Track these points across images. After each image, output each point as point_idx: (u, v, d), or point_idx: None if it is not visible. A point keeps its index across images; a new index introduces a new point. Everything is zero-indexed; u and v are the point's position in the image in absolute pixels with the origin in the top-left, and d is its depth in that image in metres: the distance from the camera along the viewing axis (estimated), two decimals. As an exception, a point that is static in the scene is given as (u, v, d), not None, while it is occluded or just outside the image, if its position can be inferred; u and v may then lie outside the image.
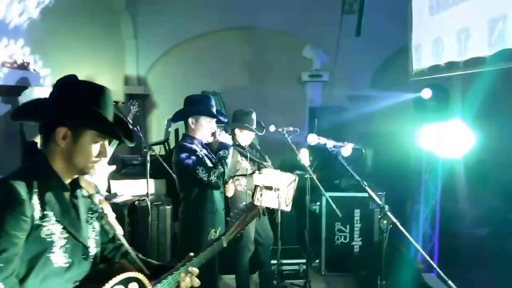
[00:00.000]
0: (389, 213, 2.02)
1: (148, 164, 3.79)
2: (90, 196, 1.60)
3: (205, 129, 2.90)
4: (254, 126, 3.69)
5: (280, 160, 5.04)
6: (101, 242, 1.71)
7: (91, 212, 1.59)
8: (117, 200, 4.27)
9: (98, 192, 1.71)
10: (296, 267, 4.19)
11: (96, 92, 1.46)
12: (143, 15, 6.87)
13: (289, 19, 6.36)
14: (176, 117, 3.04)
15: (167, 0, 6.62)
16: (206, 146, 3.04)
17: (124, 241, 1.73)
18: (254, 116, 3.70)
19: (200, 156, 2.85)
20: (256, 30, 6.71)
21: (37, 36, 4.96)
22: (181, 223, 2.96)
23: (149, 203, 3.85)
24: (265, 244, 3.81)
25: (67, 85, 1.47)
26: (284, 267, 4.18)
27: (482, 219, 4.64)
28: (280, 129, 3.66)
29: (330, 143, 2.50)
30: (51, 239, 1.39)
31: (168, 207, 4.17)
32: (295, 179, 3.70)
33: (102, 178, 3.59)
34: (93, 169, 1.51)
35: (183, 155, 2.82)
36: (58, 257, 1.41)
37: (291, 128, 3.67)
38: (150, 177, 4.54)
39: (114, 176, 4.69)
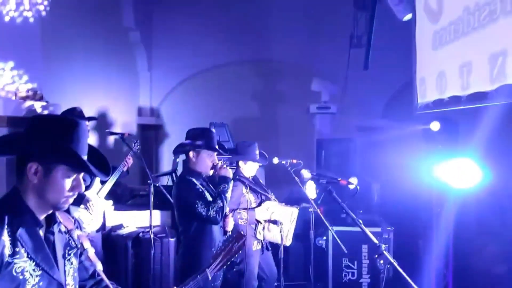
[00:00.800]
0: (385, 253, 1.95)
1: (152, 196, 3.79)
2: (68, 232, 1.60)
3: (206, 163, 2.92)
4: (257, 158, 3.69)
5: (289, 192, 5.00)
6: (81, 279, 1.70)
7: (68, 248, 1.58)
8: (121, 231, 4.26)
9: (77, 227, 1.71)
10: (301, 304, 4.06)
11: (67, 126, 1.46)
12: (157, 47, 7.09)
13: (299, 52, 6.46)
14: (177, 150, 3.09)
15: (181, 33, 6.83)
16: (208, 179, 3.05)
17: (104, 276, 1.71)
18: (256, 147, 3.71)
19: (200, 190, 2.86)
20: (266, 63, 6.83)
21: (52, 67, 5.14)
22: (180, 258, 2.94)
23: (152, 235, 3.82)
24: (269, 280, 3.72)
25: (39, 120, 1.48)
26: (290, 304, 4.06)
27: (500, 256, 4.44)
28: (283, 161, 3.65)
29: (323, 179, 2.46)
30: (23, 276, 1.38)
31: (172, 240, 4.14)
32: (296, 212, 3.64)
33: (98, 213, 3.58)
34: (67, 204, 1.50)
35: (182, 189, 2.85)
36: None
37: (294, 160, 3.65)
38: (156, 208, 4.56)
39: (121, 207, 4.71)
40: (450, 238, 4.23)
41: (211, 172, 2.97)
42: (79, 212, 3.45)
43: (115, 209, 4.62)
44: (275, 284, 3.73)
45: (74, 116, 3.84)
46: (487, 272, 4.33)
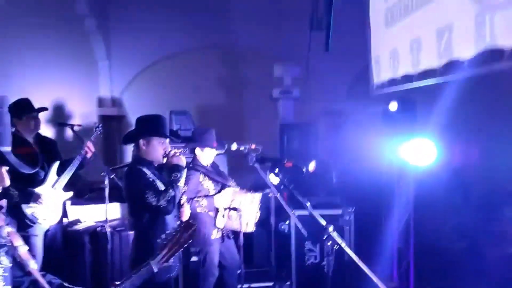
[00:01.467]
0: (333, 234, 1.91)
1: (107, 189, 3.66)
2: None
3: (157, 151, 2.79)
4: (215, 144, 3.60)
5: (253, 179, 4.94)
6: (15, 277, 1.60)
7: None
8: (78, 227, 4.12)
9: (8, 224, 1.60)
10: (266, 290, 4.04)
11: None
12: (115, 35, 6.82)
13: (260, 36, 6.36)
14: (126, 139, 2.96)
15: (140, 19, 6.59)
16: (160, 168, 2.93)
17: (37, 275, 1.62)
18: (213, 133, 3.62)
19: (151, 179, 2.74)
20: (228, 48, 6.70)
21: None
22: (133, 250, 2.83)
23: (108, 229, 3.70)
24: (230, 268, 3.67)
25: None
26: (253, 291, 4.03)
27: (459, 232, 4.54)
28: (242, 147, 3.57)
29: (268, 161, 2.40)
30: None
31: (131, 232, 4.02)
32: (256, 198, 3.59)
33: (56, 206, 3.44)
34: None
35: (132, 179, 2.73)
36: None
37: (253, 146, 3.57)
38: (115, 201, 4.42)
39: (78, 201, 4.55)
40: (410, 216, 4.29)
41: (164, 160, 2.85)
42: (31, 209, 3.30)
43: (72, 204, 4.47)
44: (237, 272, 3.68)
45: (22, 107, 3.65)
46: (447, 248, 4.43)
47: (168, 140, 2.88)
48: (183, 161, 2.87)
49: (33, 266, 1.62)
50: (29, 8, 5.60)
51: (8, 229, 1.55)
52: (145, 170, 2.75)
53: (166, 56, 6.88)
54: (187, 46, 6.76)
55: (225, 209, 3.55)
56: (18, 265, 1.63)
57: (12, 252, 1.57)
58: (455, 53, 2.33)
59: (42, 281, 1.64)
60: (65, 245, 3.98)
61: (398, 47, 3.17)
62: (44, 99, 5.44)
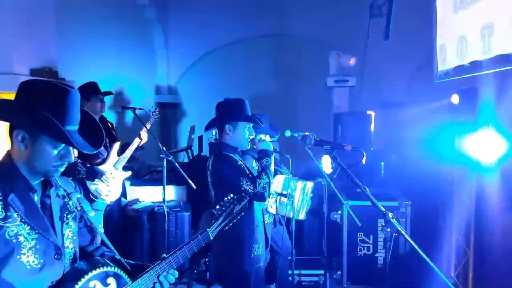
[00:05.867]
0: (393, 220, 1.87)
1: (165, 171, 3.79)
2: (67, 195, 1.59)
3: (243, 136, 2.71)
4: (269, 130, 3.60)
5: (305, 168, 4.92)
6: (83, 243, 1.70)
7: (67, 211, 1.57)
8: (137, 206, 4.32)
9: (78, 191, 1.70)
10: (315, 278, 4.02)
11: (54, 94, 1.42)
12: (173, 25, 7.02)
13: (316, 24, 6.26)
14: (211, 125, 2.86)
15: (197, 10, 6.73)
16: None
17: (105, 238, 1.71)
18: (267, 119, 3.62)
19: (242, 166, 2.68)
20: (283, 37, 6.67)
21: (67, 44, 5.16)
22: (221, 239, 2.54)
23: (165, 210, 3.85)
24: (282, 254, 3.69)
25: (27, 87, 1.45)
26: (303, 278, 4.03)
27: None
28: (296, 134, 3.54)
29: (327, 145, 2.36)
30: (17, 240, 1.38)
31: (186, 214, 4.17)
32: (310, 186, 3.57)
33: (116, 184, 3.62)
34: (58, 173, 1.49)
35: (223, 166, 2.64)
36: (29, 258, 1.40)
37: (307, 133, 3.53)
38: (171, 184, 4.59)
39: (137, 182, 4.77)
40: (471, 214, 4.08)
41: (248, 147, 2.77)
42: (96, 185, 3.51)
43: (131, 185, 4.69)
44: (289, 258, 3.70)
45: (90, 90, 3.88)
46: (510, 250, 4.16)
47: (251, 124, 2.77)
48: (270, 145, 2.80)
49: (101, 229, 1.70)
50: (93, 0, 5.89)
51: (78, 195, 1.64)
52: (234, 156, 2.69)
53: (221, 45, 6.98)
54: (242, 35, 6.81)
55: (277, 194, 3.55)
56: (85, 231, 1.72)
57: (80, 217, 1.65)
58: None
59: (110, 244, 1.71)
60: (124, 223, 4.20)
61: (467, 33, 3.00)
62: (106, 86, 5.74)
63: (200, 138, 5.53)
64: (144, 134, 3.85)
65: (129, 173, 3.76)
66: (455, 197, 4.13)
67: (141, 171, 5.06)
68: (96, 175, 3.50)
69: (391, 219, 1.87)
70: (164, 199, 3.87)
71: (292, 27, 6.48)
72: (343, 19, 5.99)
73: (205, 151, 5.60)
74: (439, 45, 3.58)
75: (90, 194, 3.46)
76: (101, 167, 3.57)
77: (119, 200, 3.94)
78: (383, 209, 1.94)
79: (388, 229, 1.86)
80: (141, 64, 6.84)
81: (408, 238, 1.84)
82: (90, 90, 3.88)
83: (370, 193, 3.68)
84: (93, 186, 3.50)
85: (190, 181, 3.52)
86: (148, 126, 3.84)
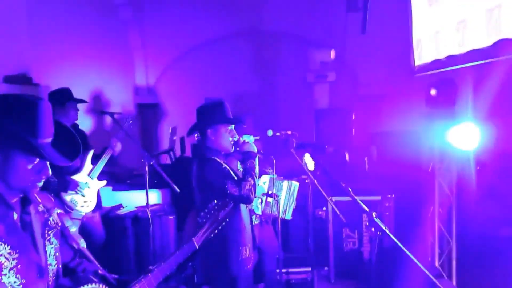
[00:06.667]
0: (376, 220, 1.89)
1: (147, 175, 3.74)
2: (47, 211, 1.55)
3: (225, 139, 2.72)
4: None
5: (288, 165, 4.93)
6: (65, 258, 1.67)
7: (47, 227, 1.53)
8: (120, 212, 4.26)
9: (57, 206, 1.66)
10: (303, 275, 4.05)
11: (25, 108, 1.37)
12: (150, 24, 6.91)
13: (293, 20, 6.26)
14: (192, 130, 2.86)
15: (173, 9, 6.65)
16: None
17: (88, 253, 1.68)
18: (251, 120, 3.61)
19: (226, 169, 2.68)
20: (261, 34, 6.64)
21: (40, 48, 5.02)
22: (208, 243, 2.76)
23: (149, 214, 3.80)
24: (269, 253, 3.70)
25: None
26: (291, 276, 4.06)
27: (504, 219, 4.37)
28: (278, 133, 3.54)
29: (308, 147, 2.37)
30: None
31: (171, 217, 4.14)
32: (295, 186, 3.58)
33: (91, 194, 3.51)
34: (37, 188, 1.44)
35: (208, 170, 2.63)
36: (10, 279, 1.36)
37: (289, 132, 3.54)
38: (155, 187, 4.53)
39: (119, 187, 4.70)
40: (453, 203, 4.17)
41: (231, 149, 2.77)
42: (70, 196, 3.40)
43: (113, 190, 4.62)
44: (276, 257, 3.71)
45: (63, 96, 3.77)
46: (491, 236, 4.28)
47: (233, 126, 2.78)
48: (254, 147, 2.80)
49: (83, 245, 1.67)
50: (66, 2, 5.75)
51: (58, 210, 1.60)
52: (218, 159, 2.68)
53: (199, 44, 6.91)
54: (220, 33, 6.75)
55: (262, 195, 3.56)
56: (67, 246, 1.68)
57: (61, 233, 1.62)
58: (505, 33, 2.21)
59: (92, 258, 1.68)
60: (107, 229, 4.11)
61: (442, 28, 3.04)
62: (83, 89, 5.62)
63: (182, 140, 5.49)
64: (117, 145, 3.73)
65: (104, 182, 3.66)
66: (437, 187, 4.21)
67: (123, 175, 4.99)
68: (68, 185, 3.37)
69: (375, 219, 1.89)
70: (147, 203, 3.82)
71: (269, 23, 6.46)
72: (320, 14, 6.01)
73: (187, 152, 5.56)
74: (415, 39, 3.63)
75: (65, 206, 3.35)
76: (75, 177, 3.43)
77: (95, 209, 3.80)
78: (367, 208, 1.96)
79: (373, 229, 1.88)
80: (118, 65, 6.73)
81: (392, 237, 1.87)
82: (64, 96, 3.75)
83: (353, 190, 3.72)
84: (67, 197, 3.35)
85: (174, 186, 3.48)
86: (117, 144, 3.69)
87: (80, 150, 1.50)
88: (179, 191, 3.50)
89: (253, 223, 3.52)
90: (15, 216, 1.43)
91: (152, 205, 4.13)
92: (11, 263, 1.37)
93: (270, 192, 3.53)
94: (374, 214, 1.92)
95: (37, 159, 1.40)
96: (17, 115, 1.36)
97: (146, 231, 3.92)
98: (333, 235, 4.16)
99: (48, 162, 1.43)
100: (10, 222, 1.40)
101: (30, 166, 1.39)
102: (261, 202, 3.56)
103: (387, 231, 1.87)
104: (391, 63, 5.97)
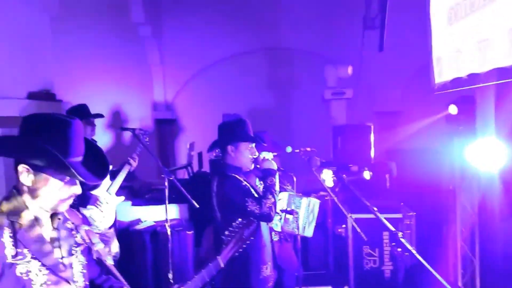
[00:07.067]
0: (403, 240, 1.87)
1: (167, 190, 3.76)
2: (75, 228, 1.57)
3: (246, 156, 2.73)
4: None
5: (306, 181, 4.92)
6: (92, 275, 1.68)
7: (75, 244, 1.56)
8: (139, 226, 4.28)
9: (85, 223, 1.68)
10: (322, 294, 4.00)
11: (57, 127, 1.41)
12: (168, 41, 7.06)
13: (311, 37, 6.33)
14: (213, 147, 2.90)
15: (191, 26, 6.78)
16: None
17: (115, 271, 1.69)
18: (268, 135, 3.63)
19: (247, 186, 2.67)
20: (278, 50, 6.72)
21: (63, 66, 5.16)
22: (229, 261, 2.71)
23: (168, 229, 3.81)
24: (288, 271, 3.66)
25: (28, 121, 1.44)
26: (310, 294, 4.00)
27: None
28: (297, 150, 3.54)
29: (333, 166, 2.37)
30: (27, 277, 1.36)
31: (189, 233, 4.14)
32: (315, 203, 3.56)
33: (109, 210, 3.51)
34: (65, 207, 1.47)
35: (228, 187, 2.63)
36: None
37: (308, 149, 3.54)
38: (173, 202, 4.55)
39: (138, 202, 4.73)
40: (475, 222, 4.08)
41: (251, 166, 2.77)
42: (89, 211, 3.42)
43: (132, 205, 4.65)
44: (295, 274, 3.67)
45: (79, 113, 3.83)
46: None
47: (254, 144, 2.78)
48: (274, 165, 2.80)
49: (110, 262, 1.68)
50: (87, 18, 5.91)
51: (86, 227, 1.62)
52: (238, 177, 2.68)
53: (217, 60, 7.01)
54: (237, 49, 6.85)
55: (281, 211, 3.54)
56: (93, 263, 1.70)
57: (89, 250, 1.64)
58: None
59: (119, 276, 1.69)
60: (124, 245, 4.12)
61: (463, 46, 3.04)
62: (103, 105, 5.74)
63: (200, 155, 5.52)
64: (136, 160, 3.75)
65: (122, 198, 3.68)
66: (458, 206, 4.14)
67: (141, 191, 5.02)
68: (88, 200, 3.39)
69: (401, 239, 1.87)
70: (167, 218, 3.84)
71: (286, 39, 6.54)
72: (337, 32, 6.06)
73: (205, 167, 5.59)
74: (435, 57, 3.62)
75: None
76: (94, 192, 3.45)
77: (113, 225, 3.82)
78: (393, 228, 1.94)
79: (399, 249, 1.86)
80: (137, 82, 6.87)
81: (420, 258, 1.84)
82: (80, 113, 3.81)
83: (374, 207, 3.67)
84: (86, 212, 3.36)
85: (193, 201, 3.49)
86: (135, 160, 3.73)
87: (108, 168, 1.53)
88: (198, 206, 3.51)
89: (273, 240, 3.51)
90: (45, 233, 1.46)
91: (171, 220, 4.13)
92: (42, 279, 1.39)
93: (288, 209, 3.52)
94: (400, 234, 1.90)
95: (68, 178, 1.43)
96: (49, 134, 1.40)
97: (165, 246, 3.93)
98: (353, 253, 4.10)
99: (78, 181, 1.46)
100: (40, 239, 1.43)
101: (61, 185, 1.42)
102: (280, 219, 3.54)
103: (414, 252, 1.85)
104: (409, 80, 5.97)
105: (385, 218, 4.06)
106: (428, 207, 4.25)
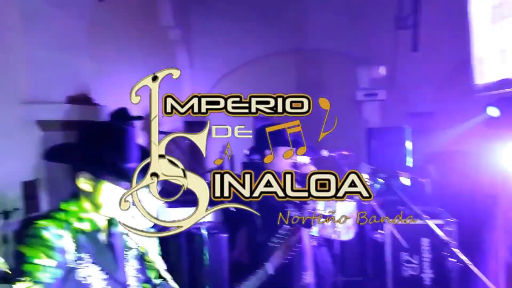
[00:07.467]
0: (456, 250, 1.80)
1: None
2: (127, 233, 1.59)
3: (284, 161, 2.74)
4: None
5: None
6: (144, 279, 1.70)
7: (128, 249, 1.58)
8: (174, 229, 4.30)
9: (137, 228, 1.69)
10: (359, 300, 3.93)
11: (114, 135, 1.47)
12: (197, 44, 7.11)
13: (342, 38, 6.25)
14: (252, 151, 3.03)
15: (220, 28, 6.81)
16: None
17: (167, 276, 1.70)
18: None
19: None
20: (308, 52, 6.66)
21: (100, 69, 5.24)
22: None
23: (205, 232, 3.81)
24: (325, 277, 3.62)
25: (86, 129, 1.50)
26: (346, 301, 3.94)
27: None
28: (333, 154, 3.49)
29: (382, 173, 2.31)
30: (87, 281, 1.38)
31: (225, 235, 4.13)
32: (351, 206, 3.50)
33: (150, 212, 3.57)
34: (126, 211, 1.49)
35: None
36: None
37: (345, 152, 3.49)
38: (208, 205, 4.56)
39: (172, 204, 4.77)
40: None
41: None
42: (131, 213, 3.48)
43: (167, 207, 4.69)
44: (332, 280, 3.62)
45: (120, 115, 3.91)
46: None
47: (293, 149, 2.84)
48: (312, 170, 2.82)
49: (163, 266, 1.70)
50: (120, 22, 6.01)
51: (137, 232, 1.63)
52: None
53: (246, 62, 7.02)
54: (267, 51, 6.84)
55: (317, 216, 3.50)
56: (147, 268, 1.71)
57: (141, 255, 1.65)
58: None
59: (172, 282, 1.71)
60: (161, 247, 4.17)
61: (509, 46, 2.93)
62: (138, 107, 5.81)
63: (232, 158, 5.53)
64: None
65: (161, 202, 3.71)
66: (500, 212, 3.99)
67: (175, 192, 5.06)
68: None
69: (453, 249, 1.80)
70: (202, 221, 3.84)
71: (313, 41, 6.48)
72: (367, 31, 5.95)
73: (236, 171, 5.60)
74: (477, 57, 3.51)
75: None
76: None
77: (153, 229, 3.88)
78: (447, 238, 1.88)
79: (454, 260, 1.79)
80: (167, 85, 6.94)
81: (477, 271, 1.78)
82: (123, 116, 3.90)
83: (413, 213, 3.58)
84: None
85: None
86: None
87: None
88: (234, 209, 3.51)
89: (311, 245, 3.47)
90: (103, 238, 1.48)
91: (206, 222, 4.14)
92: (101, 284, 1.41)
93: (325, 213, 3.47)
94: (453, 244, 1.84)
95: (126, 183, 1.45)
96: (105, 141, 1.43)
97: (201, 248, 3.94)
98: (391, 259, 4.00)
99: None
100: (99, 244, 1.48)
101: (119, 190, 1.44)
102: (317, 224, 3.50)
103: (469, 263, 1.79)
104: (445, 80, 5.81)
105: (425, 224, 3.97)
106: (470, 213, 4.11)
